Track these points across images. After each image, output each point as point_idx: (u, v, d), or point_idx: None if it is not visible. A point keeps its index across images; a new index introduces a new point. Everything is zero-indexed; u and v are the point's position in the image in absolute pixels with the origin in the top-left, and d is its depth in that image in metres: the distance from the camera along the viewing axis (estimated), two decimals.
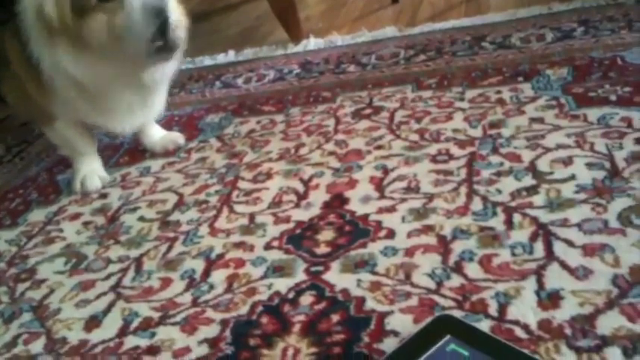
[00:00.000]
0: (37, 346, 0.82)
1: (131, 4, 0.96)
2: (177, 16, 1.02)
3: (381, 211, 0.91)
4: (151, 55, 1.01)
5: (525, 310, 0.67)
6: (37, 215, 1.17)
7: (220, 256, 0.91)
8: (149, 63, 1.05)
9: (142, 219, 1.06)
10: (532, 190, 0.87)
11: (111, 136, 1.36)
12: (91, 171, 1.23)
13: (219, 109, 1.44)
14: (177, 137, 1.31)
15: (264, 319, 0.76)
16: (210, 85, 1.60)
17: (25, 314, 0.89)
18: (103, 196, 1.18)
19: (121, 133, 1.19)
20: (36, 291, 0.94)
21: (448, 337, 0.62)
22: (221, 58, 1.77)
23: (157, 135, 1.32)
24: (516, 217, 0.82)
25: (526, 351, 0.61)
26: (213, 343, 0.74)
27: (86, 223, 1.09)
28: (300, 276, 0.82)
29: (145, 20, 0.97)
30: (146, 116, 1.20)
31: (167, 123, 1.42)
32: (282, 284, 0.81)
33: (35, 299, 0.92)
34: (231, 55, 1.77)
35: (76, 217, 1.13)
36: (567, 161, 0.91)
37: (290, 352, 0.70)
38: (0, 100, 1.29)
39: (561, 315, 0.65)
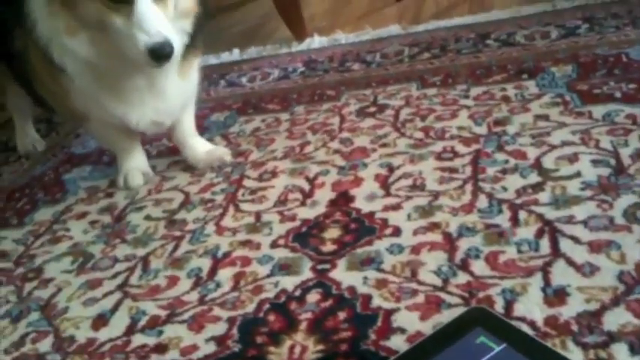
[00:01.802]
0: (45, 344, 0.82)
1: (136, 36, 0.93)
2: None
3: (386, 208, 0.92)
4: (147, 64, 0.97)
5: (532, 306, 0.67)
6: (44, 214, 1.17)
7: (227, 254, 0.91)
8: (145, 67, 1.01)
9: (148, 218, 1.07)
10: (537, 187, 0.87)
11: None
12: (134, 167, 1.21)
13: (224, 107, 1.44)
14: (224, 154, 1.20)
15: (271, 317, 0.76)
16: (215, 83, 1.61)
17: (32, 313, 0.89)
18: (109, 195, 1.19)
19: (136, 127, 1.11)
20: (43, 290, 0.94)
21: (479, 329, 0.62)
22: (225, 57, 1.77)
23: (201, 149, 1.22)
24: (522, 214, 0.82)
25: (557, 349, 0.60)
26: (220, 340, 0.74)
27: (93, 222, 1.10)
28: (307, 274, 0.82)
29: (147, 59, 0.95)
30: (158, 107, 1.10)
31: None
32: (288, 282, 0.81)
33: (43, 298, 0.92)
34: (235, 54, 1.77)
35: (82, 216, 1.13)
36: (573, 158, 0.91)
37: (297, 349, 0.70)
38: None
39: (568, 311, 0.65)
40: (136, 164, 1.22)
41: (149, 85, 1.07)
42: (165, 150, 1.31)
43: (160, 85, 1.08)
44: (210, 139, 1.29)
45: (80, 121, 1.20)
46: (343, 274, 0.80)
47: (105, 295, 0.89)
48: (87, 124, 1.18)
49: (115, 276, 0.93)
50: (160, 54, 0.94)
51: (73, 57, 1.01)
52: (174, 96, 1.11)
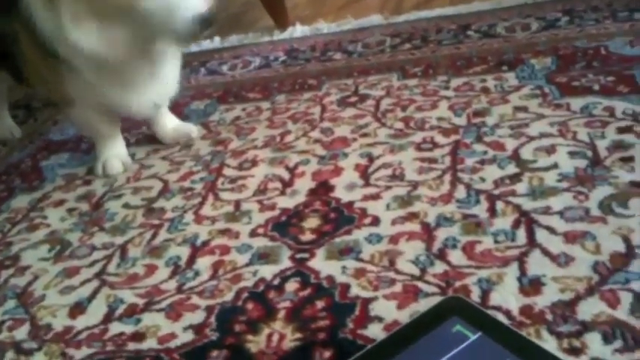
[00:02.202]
0: (22, 332, 0.81)
1: (181, 7, 0.93)
2: None
3: (366, 198, 0.92)
4: (191, 34, 0.97)
5: (507, 295, 0.68)
6: (21, 202, 1.16)
7: (205, 243, 0.91)
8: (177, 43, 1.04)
9: (126, 206, 1.06)
10: (515, 178, 0.88)
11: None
12: (114, 155, 1.20)
13: (204, 95, 1.44)
14: (191, 130, 1.25)
15: (250, 306, 0.76)
16: (195, 71, 1.59)
17: (9, 301, 0.88)
18: (87, 182, 1.17)
19: (136, 112, 1.12)
20: (20, 278, 0.93)
21: (455, 318, 0.62)
22: (206, 45, 1.76)
23: (169, 125, 1.26)
24: (499, 205, 0.83)
25: (532, 338, 0.61)
26: (198, 329, 0.74)
27: (70, 210, 1.09)
28: (286, 263, 0.82)
29: (195, 27, 0.94)
30: (159, 92, 1.12)
31: None
32: (267, 271, 0.82)
33: (19, 286, 0.91)
34: (216, 42, 1.76)
35: (60, 203, 1.12)
36: (550, 150, 0.92)
37: (275, 337, 0.70)
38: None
39: (542, 301, 0.66)
40: (116, 152, 1.21)
41: (151, 70, 1.07)
42: (144, 138, 1.30)
43: (160, 69, 1.09)
44: None
45: (65, 107, 1.18)
46: (322, 264, 0.80)
47: (82, 283, 0.88)
48: (70, 110, 1.16)
49: (92, 264, 0.92)
50: (209, 20, 0.95)
51: (76, 47, 0.98)
52: (171, 78, 1.13)
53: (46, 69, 1.07)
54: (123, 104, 1.10)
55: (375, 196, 0.92)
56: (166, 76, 1.12)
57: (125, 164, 1.20)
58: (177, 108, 1.38)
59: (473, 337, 0.60)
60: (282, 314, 0.73)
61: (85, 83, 1.06)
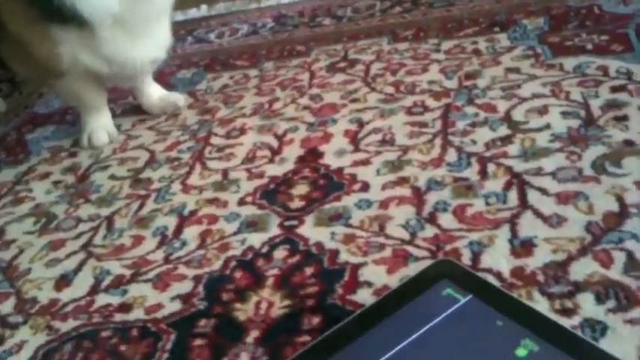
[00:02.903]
0: (7, 306, 0.80)
1: None
2: None
3: (355, 164, 0.90)
4: None
5: (498, 258, 0.67)
6: (6, 175, 1.14)
7: (193, 212, 0.89)
8: None
9: (112, 177, 1.04)
10: (507, 139, 0.86)
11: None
12: (100, 126, 1.18)
13: (191, 64, 1.41)
14: (178, 99, 1.23)
15: (238, 274, 0.75)
16: (182, 40, 1.56)
17: None
18: (73, 154, 1.15)
19: (138, 67, 1.09)
20: (5, 252, 0.91)
21: (445, 281, 0.61)
22: (193, 13, 1.72)
23: (155, 94, 1.24)
24: (490, 167, 0.81)
25: (524, 300, 0.60)
26: (185, 298, 0.73)
27: (56, 183, 1.07)
28: (274, 230, 0.81)
29: None
30: (158, 44, 1.11)
31: None
32: (255, 239, 0.80)
33: (4, 260, 0.90)
34: (203, 10, 1.72)
35: (45, 176, 1.10)
36: (542, 110, 0.90)
37: (263, 305, 0.69)
38: None
39: (534, 262, 0.65)
40: (102, 123, 1.19)
41: (158, 21, 1.08)
42: (131, 108, 1.27)
43: (165, 20, 1.10)
44: None
45: (53, 78, 1.14)
46: (311, 230, 0.79)
47: (68, 256, 0.87)
48: (57, 81, 1.13)
49: (78, 236, 0.91)
50: None
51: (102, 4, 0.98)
52: (168, 28, 1.13)
53: (36, 38, 1.04)
54: (127, 58, 1.07)
55: (365, 162, 0.90)
56: (164, 28, 1.12)
57: (111, 135, 1.18)
58: (164, 77, 1.36)
59: (463, 300, 0.59)
60: (270, 282, 0.72)
61: (83, 45, 1.04)
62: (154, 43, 1.10)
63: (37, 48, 1.05)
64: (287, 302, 0.68)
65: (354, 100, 1.08)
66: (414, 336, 0.56)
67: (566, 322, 0.57)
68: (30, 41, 1.05)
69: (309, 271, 0.72)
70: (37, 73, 1.16)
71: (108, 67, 1.07)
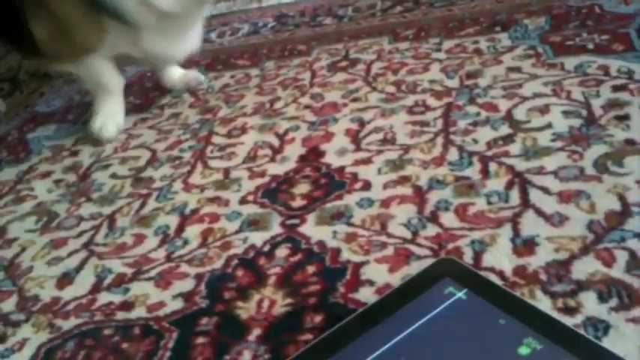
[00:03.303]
0: (9, 304, 0.80)
1: None
2: None
3: (357, 163, 0.90)
4: None
5: (500, 257, 0.67)
6: (8, 174, 1.14)
7: (195, 211, 0.89)
8: None
9: (114, 176, 1.04)
10: (508, 138, 0.86)
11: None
12: (110, 116, 1.20)
13: (193, 63, 1.40)
14: (197, 75, 1.32)
15: (239, 272, 0.75)
16: None
17: None
18: (74, 153, 1.15)
19: (175, 60, 1.21)
20: (7, 250, 0.92)
21: (447, 279, 0.61)
22: None
23: (176, 74, 1.31)
24: (492, 166, 0.81)
25: (526, 298, 0.60)
26: (187, 297, 0.73)
27: (57, 181, 1.07)
28: (276, 229, 0.81)
29: None
30: (194, 41, 1.18)
31: (139, 79, 1.39)
32: (257, 238, 0.80)
33: (6, 258, 0.90)
34: None
35: (46, 175, 1.10)
36: (544, 109, 0.90)
37: (265, 303, 0.69)
38: None
39: (536, 261, 0.65)
40: (114, 111, 1.20)
41: (194, 21, 1.13)
42: (132, 107, 1.27)
43: (198, 20, 1.14)
44: (177, 96, 1.27)
45: (75, 57, 1.14)
46: (313, 229, 0.79)
47: (70, 254, 0.87)
48: (79, 60, 1.14)
49: (80, 235, 0.91)
50: None
51: (151, 5, 1.02)
52: (201, 27, 1.19)
53: (81, 21, 1.07)
54: (168, 53, 1.15)
55: (367, 161, 0.90)
56: (199, 26, 1.17)
57: (118, 127, 1.20)
58: None
59: (465, 299, 0.59)
60: (272, 280, 0.72)
61: (125, 36, 1.08)
62: (191, 39, 1.16)
63: (80, 29, 1.08)
64: (289, 300, 0.68)
65: (356, 100, 1.08)
66: (416, 335, 0.56)
67: (568, 321, 0.57)
68: (74, 22, 1.08)
69: (310, 269, 0.72)
70: (66, 50, 1.14)
71: (144, 57, 1.14)
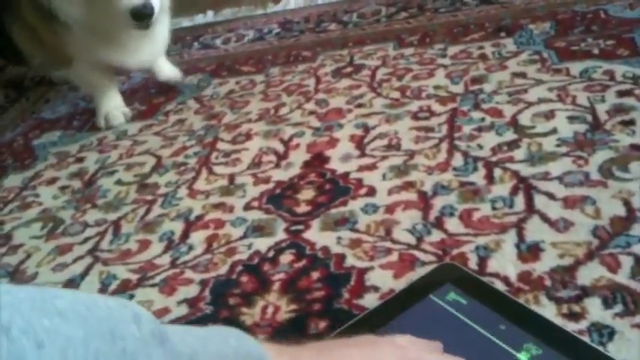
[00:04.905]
0: None
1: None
2: None
3: (361, 169, 0.90)
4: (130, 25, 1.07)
5: (505, 262, 0.66)
6: (13, 181, 1.15)
7: (199, 217, 0.89)
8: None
9: (119, 182, 1.05)
10: (513, 144, 0.86)
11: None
12: (114, 107, 1.26)
13: (198, 70, 1.41)
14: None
15: (244, 278, 0.75)
16: (189, 46, 1.57)
17: (1, 280, 0.87)
18: (80, 160, 1.16)
19: (134, 67, 1.23)
20: (12, 256, 0.92)
21: (448, 284, 0.61)
22: (199, 19, 1.73)
23: (169, 67, 1.35)
24: (497, 172, 0.81)
25: (527, 304, 0.60)
26: (192, 303, 0.73)
27: (62, 188, 1.08)
28: (280, 235, 0.81)
29: (129, 20, 1.04)
30: (151, 50, 1.21)
31: (144, 85, 1.40)
32: (262, 244, 0.80)
33: (12, 264, 0.90)
34: (209, 16, 1.73)
35: (52, 181, 1.11)
36: (549, 115, 0.90)
37: (270, 309, 0.69)
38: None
39: (541, 267, 0.65)
40: (115, 104, 1.26)
41: (142, 34, 1.14)
42: (138, 114, 1.28)
43: (151, 33, 1.16)
44: (183, 102, 1.27)
45: (63, 65, 1.24)
46: (317, 235, 0.79)
47: (75, 261, 0.87)
48: (69, 69, 1.24)
49: (85, 241, 0.91)
50: (141, 15, 1.03)
51: (70, 15, 1.08)
52: (161, 38, 1.22)
53: (47, 32, 1.15)
54: (118, 62, 1.19)
55: (371, 167, 0.90)
56: (156, 36, 1.19)
57: (126, 115, 1.25)
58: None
59: (466, 304, 0.59)
60: (276, 286, 0.72)
61: (82, 42, 1.14)
62: (149, 49, 1.20)
63: (48, 40, 1.16)
64: (293, 306, 0.68)
65: (360, 105, 1.08)
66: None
67: (573, 327, 0.57)
68: (42, 34, 1.15)
69: (315, 275, 0.72)
70: (48, 58, 1.25)
71: (111, 62, 1.19)
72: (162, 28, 1.20)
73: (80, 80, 1.29)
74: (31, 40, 1.20)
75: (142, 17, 1.03)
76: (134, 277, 0.80)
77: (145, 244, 0.86)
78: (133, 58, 1.19)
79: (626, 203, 0.70)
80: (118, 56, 1.18)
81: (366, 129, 1.00)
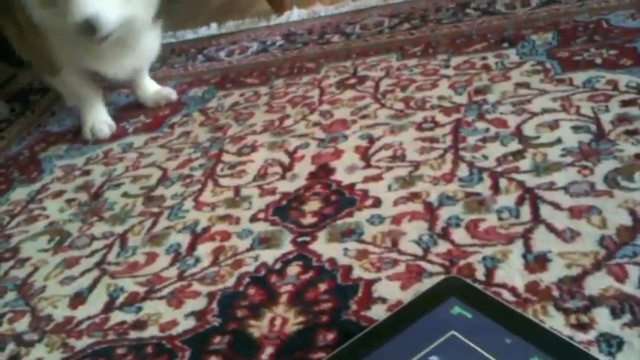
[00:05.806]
0: (22, 324, 0.81)
1: (70, 9, 1.02)
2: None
3: (367, 180, 0.91)
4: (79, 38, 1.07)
5: (512, 273, 0.67)
6: (20, 194, 1.15)
7: (206, 229, 0.90)
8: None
9: (125, 195, 1.05)
10: (518, 154, 0.86)
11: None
12: (99, 120, 1.29)
13: (202, 82, 1.42)
14: (170, 93, 1.36)
15: (251, 291, 0.75)
16: (193, 58, 1.58)
17: (9, 293, 0.88)
18: (86, 173, 1.16)
19: (114, 77, 1.23)
20: (20, 270, 0.92)
21: (453, 298, 0.61)
22: (203, 31, 1.74)
23: (150, 89, 1.36)
24: (503, 182, 0.81)
25: (532, 317, 0.60)
26: (200, 315, 0.73)
27: (69, 201, 1.08)
28: (287, 247, 0.81)
29: (77, 33, 1.04)
30: (136, 59, 1.23)
31: None
32: (268, 255, 0.80)
33: (19, 278, 0.90)
34: (213, 28, 1.74)
35: (58, 194, 1.11)
36: (553, 125, 0.90)
37: (277, 321, 0.69)
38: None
39: (548, 277, 0.65)
40: (100, 117, 1.30)
41: (122, 44, 1.15)
42: (143, 126, 1.29)
43: (132, 43, 1.18)
44: (188, 115, 1.28)
45: (51, 73, 1.26)
46: (324, 246, 0.79)
47: (82, 274, 0.87)
48: (56, 76, 1.26)
49: (92, 254, 0.91)
50: (86, 28, 1.02)
51: (41, 20, 1.11)
52: (148, 47, 1.23)
53: (33, 35, 1.17)
54: (101, 70, 1.20)
55: (377, 178, 0.90)
56: (141, 46, 1.21)
57: (110, 128, 1.28)
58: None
59: (471, 318, 0.59)
60: (284, 298, 0.72)
61: (63, 47, 1.17)
62: (134, 59, 1.22)
63: (38, 47, 1.19)
64: (301, 318, 0.69)
65: (365, 117, 1.08)
66: (422, 354, 0.56)
67: (582, 337, 0.57)
68: (29, 34, 1.17)
69: (322, 287, 0.72)
70: (43, 67, 1.28)
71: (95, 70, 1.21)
72: (146, 40, 1.21)
73: (66, 90, 1.32)
74: (26, 46, 1.24)
75: (90, 32, 1.03)
76: (142, 289, 0.81)
77: (152, 257, 0.87)
78: (112, 67, 1.20)
79: (632, 213, 0.70)
80: (96, 64, 1.19)
81: (371, 140, 1.01)
